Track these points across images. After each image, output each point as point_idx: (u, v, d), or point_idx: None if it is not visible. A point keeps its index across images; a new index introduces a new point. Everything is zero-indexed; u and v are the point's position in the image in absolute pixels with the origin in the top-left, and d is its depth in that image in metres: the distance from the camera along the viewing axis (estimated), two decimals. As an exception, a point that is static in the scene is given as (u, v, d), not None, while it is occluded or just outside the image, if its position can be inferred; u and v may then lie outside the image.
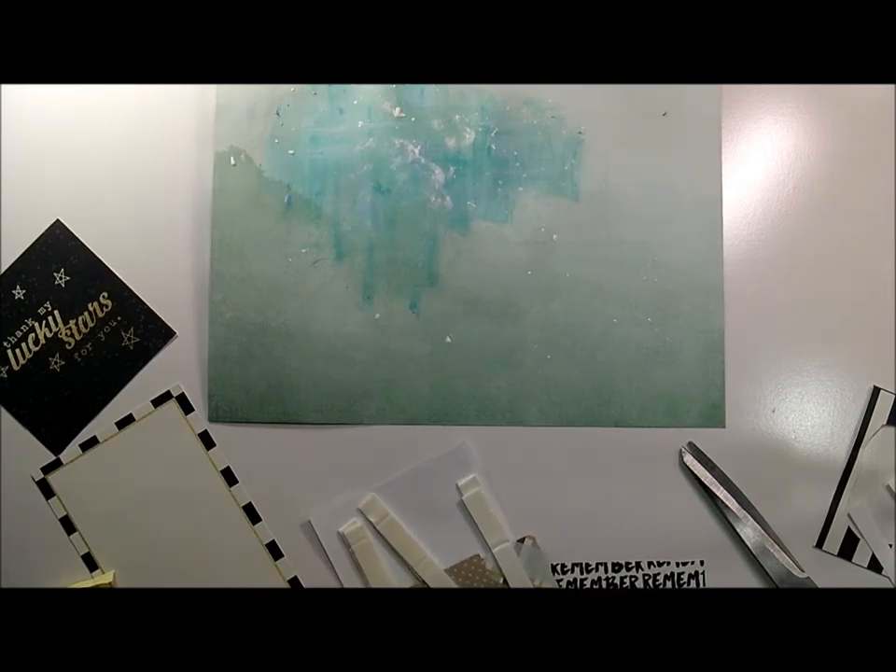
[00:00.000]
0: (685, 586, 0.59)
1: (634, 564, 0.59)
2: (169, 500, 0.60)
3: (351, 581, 0.60)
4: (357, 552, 0.59)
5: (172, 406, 0.60)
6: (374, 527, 0.59)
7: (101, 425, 0.60)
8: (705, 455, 0.59)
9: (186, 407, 0.60)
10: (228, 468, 0.60)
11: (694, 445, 0.59)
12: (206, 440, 0.60)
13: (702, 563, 0.59)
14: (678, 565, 0.59)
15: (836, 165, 0.60)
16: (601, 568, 0.59)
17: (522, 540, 0.59)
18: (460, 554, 0.60)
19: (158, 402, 0.60)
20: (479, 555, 0.60)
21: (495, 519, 0.59)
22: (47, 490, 0.61)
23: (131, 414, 0.60)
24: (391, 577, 0.60)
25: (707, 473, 0.58)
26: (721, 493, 0.58)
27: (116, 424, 0.60)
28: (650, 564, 0.59)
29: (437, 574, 0.59)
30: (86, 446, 0.61)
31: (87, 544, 0.61)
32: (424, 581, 0.59)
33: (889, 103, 0.60)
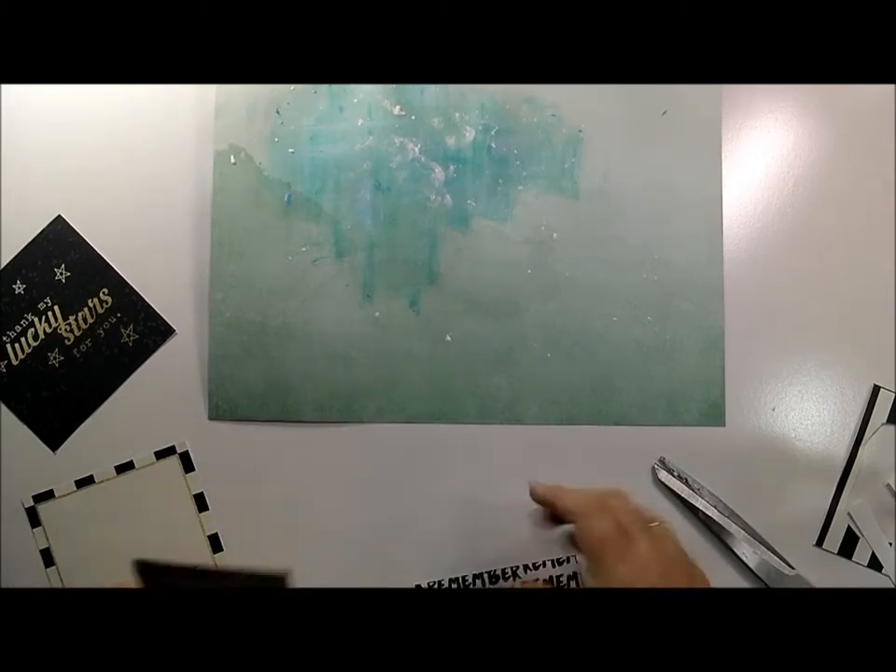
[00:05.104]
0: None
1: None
2: (150, 554, 0.59)
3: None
4: None
5: (174, 462, 0.60)
6: None
7: (101, 465, 0.60)
8: (674, 471, 0.58)
9: (187, 465, 0.60)
10: (216, 533, 0.60)
11: (664, 461, 0.59)
12: (200, 502, 0.60)
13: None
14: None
15: (836, 165, 0.60)
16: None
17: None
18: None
19: (161, 455, 0.60)
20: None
21: None
22: (34, 519, 0.60)
23: (132, 461, 0.60)
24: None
25: (685, 487, 0.58)
26: (700, 504, 0.58)
27: (115, 468, 0.60)
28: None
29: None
30: (81, 483, 0.60)
31: (61, 580, 0.60)
32: None
33: (889, 103, 0.60)
